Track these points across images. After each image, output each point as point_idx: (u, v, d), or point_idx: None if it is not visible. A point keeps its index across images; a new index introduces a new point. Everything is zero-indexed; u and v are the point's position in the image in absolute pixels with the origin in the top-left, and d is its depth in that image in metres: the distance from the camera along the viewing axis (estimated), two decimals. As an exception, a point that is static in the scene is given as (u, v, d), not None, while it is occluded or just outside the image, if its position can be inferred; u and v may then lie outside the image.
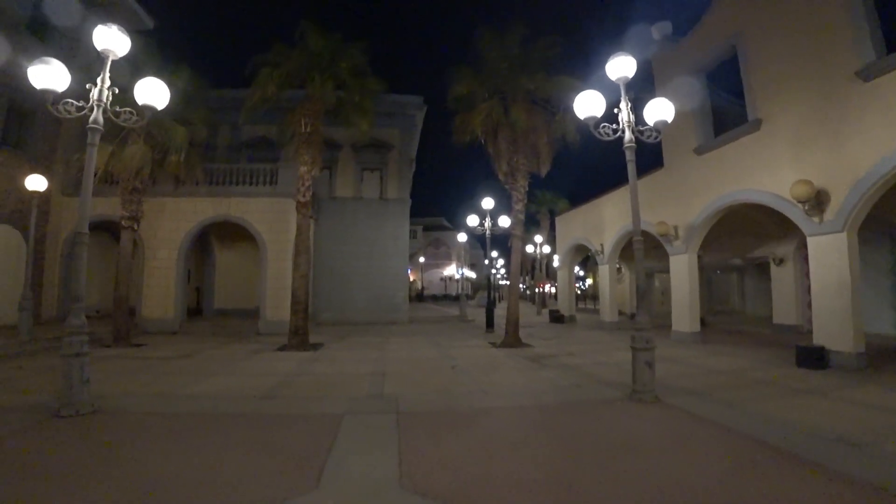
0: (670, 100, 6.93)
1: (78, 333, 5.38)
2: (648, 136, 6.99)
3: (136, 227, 12.36)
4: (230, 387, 7.02)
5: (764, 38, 10.61)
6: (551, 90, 11.97)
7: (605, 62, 6.79)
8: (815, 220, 9.46)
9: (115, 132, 12.57)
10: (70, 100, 5.80)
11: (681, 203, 13.19)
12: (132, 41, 6.17)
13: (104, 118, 6.01)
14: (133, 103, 6.24)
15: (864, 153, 8.48)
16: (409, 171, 22.74)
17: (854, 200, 8.70)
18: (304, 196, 11.56)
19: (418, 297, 46.89)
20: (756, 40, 10.84)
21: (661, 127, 6.96)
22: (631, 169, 6.88)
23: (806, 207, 9.43)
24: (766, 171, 10.47)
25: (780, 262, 15.60)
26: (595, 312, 27.92)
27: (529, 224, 31.75)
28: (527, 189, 12.50)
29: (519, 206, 12.41)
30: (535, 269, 37.73)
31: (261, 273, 15.61)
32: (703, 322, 17.41)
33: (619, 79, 6.87)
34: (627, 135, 6.83)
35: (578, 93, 12.19)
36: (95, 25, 5.80)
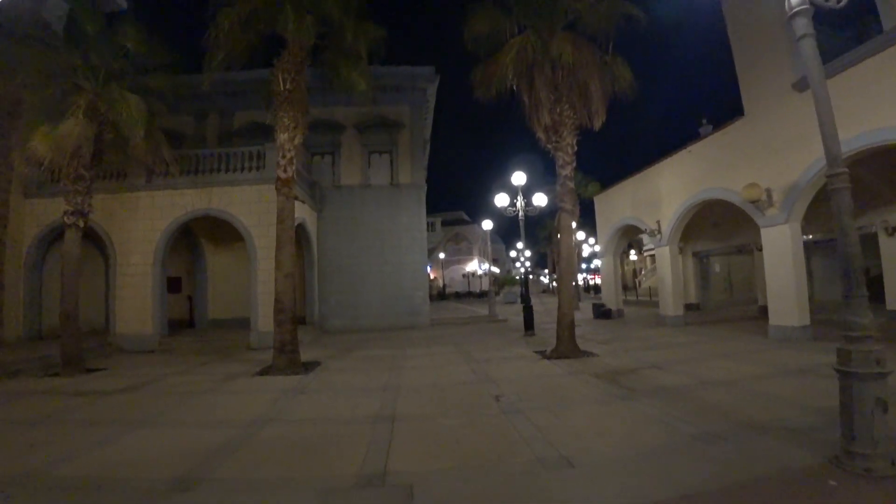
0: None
1: None
2: None
3: (82, 224, 9.79)
4: (142, 454, 4.31)
5: None
6: (603, 16, 9.04)
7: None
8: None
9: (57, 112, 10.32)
10: None
11: (777, 159, 10.06)
12: None
13: None
14: None
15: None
16: (423, 154, 19.96)
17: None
18: (285, 171, 8.84)
19: (440, 295, 43.96)
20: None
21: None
22: (810, 49, 3.92)
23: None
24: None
25: (894, 231, 12.33)
26: (636, 304, 24.86)
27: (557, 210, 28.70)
28: (575, 149, 9.58)
29: (567, 171, 9.48)
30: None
31: (250, 275, 13.02)
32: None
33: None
34: (797, -6, 3.94)
35: (635, 24, 9.63)
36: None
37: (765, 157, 10.44)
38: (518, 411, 5.25)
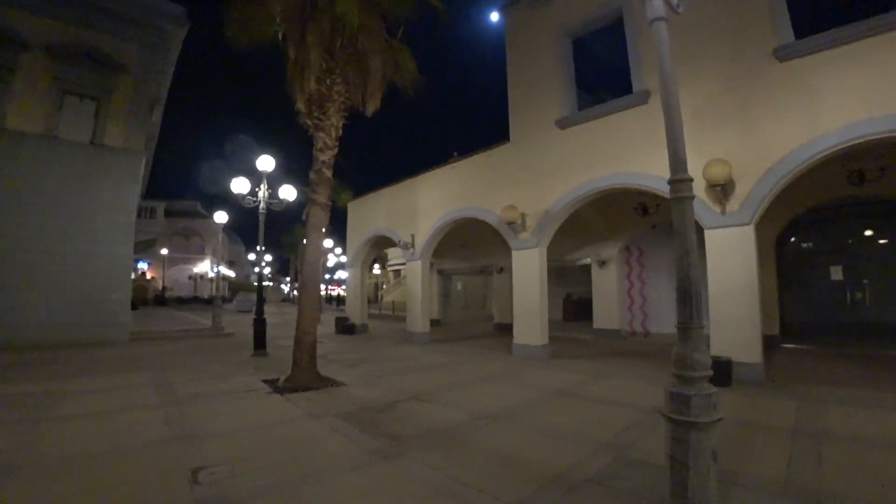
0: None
1: None
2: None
3: None
4: None
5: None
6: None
7: None
8: (717, 209, 7.76)
9: None
10: None
11: (534, 186, 10.49)
12: None
13: None
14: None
15: (779, 138, 7.22)
16: (150, 115, 15.56)
17: (764, 191, 7.36)
18: None
19: (157, 300, 36.43)
20: None
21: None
22: (663, 32, 3.17)
23: (717, 192, 7.62)
24: (657, 151, 8.30)
25: (603, 264, 14.38)
26: (379, 318, 24.62)
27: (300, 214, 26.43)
28: (340, 133, 7.99)
29: (326, 157, 7.76)
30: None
31: None
32: (504, 327, 15.37)
33: None
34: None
35: (429, 22, 8.67)
36: None
37: (524, 184, 10.74)
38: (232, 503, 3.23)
